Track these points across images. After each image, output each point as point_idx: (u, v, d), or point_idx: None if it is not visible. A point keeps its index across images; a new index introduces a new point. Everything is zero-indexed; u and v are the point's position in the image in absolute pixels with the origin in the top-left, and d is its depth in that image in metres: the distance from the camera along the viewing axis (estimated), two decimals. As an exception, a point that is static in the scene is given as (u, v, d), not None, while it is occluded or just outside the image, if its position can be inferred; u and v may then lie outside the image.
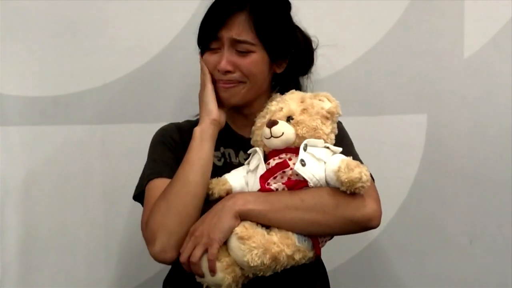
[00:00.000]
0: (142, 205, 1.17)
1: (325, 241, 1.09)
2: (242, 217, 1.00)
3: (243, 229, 0.98)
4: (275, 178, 1.05)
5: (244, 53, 1.11)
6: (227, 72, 1.11)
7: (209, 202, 1.06)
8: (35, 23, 1.47)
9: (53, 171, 1.51)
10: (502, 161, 1.63)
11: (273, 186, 1.05)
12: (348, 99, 1.58)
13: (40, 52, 1.48)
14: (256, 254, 0.96)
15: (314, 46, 1.25)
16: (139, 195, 1.17)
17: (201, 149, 1.08)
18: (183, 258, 1.01)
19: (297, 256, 1.01)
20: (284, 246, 0.99)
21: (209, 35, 1.12)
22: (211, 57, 1.14)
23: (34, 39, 1.48)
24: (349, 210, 1.03)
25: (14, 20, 1.46)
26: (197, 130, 1.10)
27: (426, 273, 1.67)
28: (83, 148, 1.52)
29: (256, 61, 1.12)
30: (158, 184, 1.10)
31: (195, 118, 1.24)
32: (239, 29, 1.10)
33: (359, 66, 1.61)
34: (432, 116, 1.63)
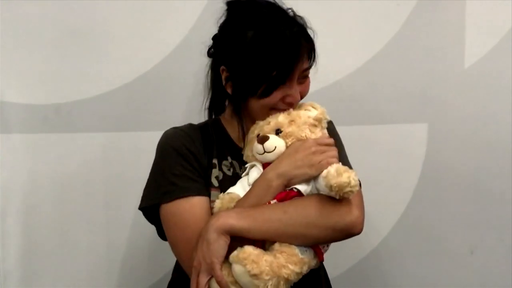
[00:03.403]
0: (148, 217, 1.17)
1: (328, 246, 1.09)
2: (227, 233, 0.99)
3: (254, 265, 0.96)
4: None
5: (304, 79, 1.13)
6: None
7: None
8: (37, 31, 1.48)
9: (55, 179, 1.51)
10: (503, 171, 1.63)
11: None
12: (350, 108, 1.61)
13: (42, 60, 1.49)
14: (271, 284, 0.97)
15: None
16: (149, 208, 1.14)
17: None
18: None
19: (304, 269, 1.01)
20: (292, 265, 0.99)
21: (284, 74, 1.07)
22: (278, 93, 1.09)
23: (36, 47, 1.49)
24: (332, 219, 1.03)
25: (16, 28, 1.47)
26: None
27: (427, 282, 1.67)
28: (84, 155, 1.53)
29: (309, 83, 1.15)
30: (194, 204, 1.09)
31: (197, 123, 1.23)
32: (306, 58, 1.10)
33: (360, 76, 1.61)
34: (432, 125, 1.64)
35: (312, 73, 1.16)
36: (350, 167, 1.11)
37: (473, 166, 1.63)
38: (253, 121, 1.14)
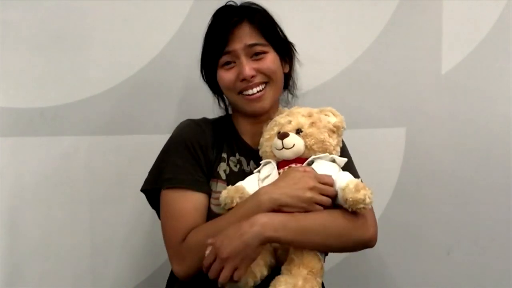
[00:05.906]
0: (150, 200, 1.22)
1: None
2: (268, 242, 1.05)
3: None
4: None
5: (261, 55, 1.18)
6: (252, 77, 1.17)
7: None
8: (22, 35, 1.48)
9: (39, 182, 1.50)
10: (478, 174, 1.66)
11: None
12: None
13: (27, 64, 1.49)
14: None
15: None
16: (149, 190, 1.21)
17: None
18: (212, 276, 1.03)
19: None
20: (319, 278, 1.07)
21: (219, 50, 1.17)
22: (227, 74, 1.19)
23: (21, 51, 1.48)
24: (358, 233, 1.12)
25: (0, 32, 1.46)
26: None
27: (404, 281, 1.69)
28: (69, 159, 1.52)
29: (272, 59, 1.20)
30: (182, 195, 1.14)
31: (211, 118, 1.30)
32: (248, 35, 1.17)
33: (339, 81, 1.64)
34: (410, 129, 1.66)
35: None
36: (358, 176, 1.20)
37: (450, 170, 1.66)
38: (245, 117, 1.23)
